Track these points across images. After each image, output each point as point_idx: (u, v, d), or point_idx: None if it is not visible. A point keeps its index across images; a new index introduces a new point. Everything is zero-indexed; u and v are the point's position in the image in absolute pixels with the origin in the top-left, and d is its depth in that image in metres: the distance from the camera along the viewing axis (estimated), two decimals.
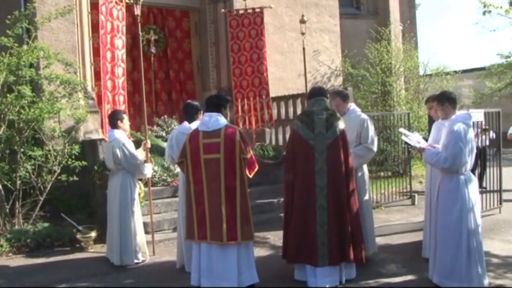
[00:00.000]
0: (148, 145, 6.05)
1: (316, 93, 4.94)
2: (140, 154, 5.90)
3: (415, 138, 4.99)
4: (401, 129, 5.52)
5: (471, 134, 4.54)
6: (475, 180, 4.66)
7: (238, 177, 4.51)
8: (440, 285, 4.53)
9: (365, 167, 5.65)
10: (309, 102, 4.96)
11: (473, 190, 4.55)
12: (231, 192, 4.48)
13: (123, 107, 7.65)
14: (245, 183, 4.58)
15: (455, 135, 4.40)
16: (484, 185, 8.54)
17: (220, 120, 4.63)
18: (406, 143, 5.39)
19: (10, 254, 6.20)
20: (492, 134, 8.58)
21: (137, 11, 6.25)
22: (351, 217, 4.76)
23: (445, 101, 4.67)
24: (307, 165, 4.70)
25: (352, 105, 5.65)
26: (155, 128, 9.40)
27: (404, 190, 9.40)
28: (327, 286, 4.61)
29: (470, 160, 4.53)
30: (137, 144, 6.18)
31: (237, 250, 4.51)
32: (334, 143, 4.70)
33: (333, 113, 4.86)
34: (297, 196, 4.76)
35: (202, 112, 5.38)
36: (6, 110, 6.52)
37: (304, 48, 7.80)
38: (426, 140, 5.30)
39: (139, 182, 6.10)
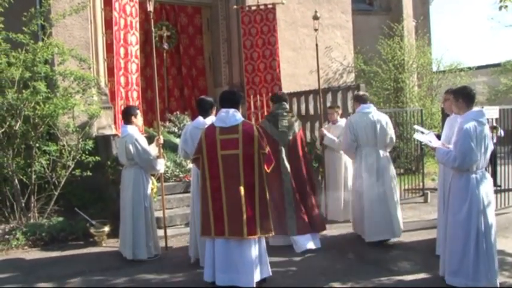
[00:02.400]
0: (161, 141, 6.08)
1: (280, 99, 6.19)
2: (153, 150, 5.92)
3: (427, 138, 4.96)
4: (416, 126, 5.54)
5: (486, 131, 4.46)
6: (489, 179, 4.59)
7: (256, 173, 4.55)
8: (448, 282, 4.52)
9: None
10: (275, 106, 6.17)
11: (486, 189, 4.48)
12: (250, 188, 4.52)
13: (136, 103, 7.71)
14: (263, 178, 4.61)
15: (464, 133, 4.35)
16: (498, 183, 8.46)
17: (237, 116, 4.66)
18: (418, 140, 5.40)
19: (26, 247, 6.29)
20: (500, 132, 8.48)
21: (150, 7, 6.28)
22: (310, 195, 6.08)
23: (460, 97, 4.60)
24: (273, 156, 5.15)
25: (359, 107, 6.39)
26: (167, 123, 9.44)
27: (417, 187, 9.35)
28: (313, 247, 5.84)
29: (483, 158, 4.46)
30: (150, 139, 6.23)
31: (254, 244, 4.55)
32: (293, 139, 6.04)
33: (293, 115, 6.20)
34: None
35: (215, 108, 5.43)
36: (22, 105, 6.59)
37: (317, 45, 7.77)
38: (439, 136, 5.26)
39: (152, 177, 6.14)
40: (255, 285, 4.50)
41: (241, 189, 4.50)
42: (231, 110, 4.67)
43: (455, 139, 4.49)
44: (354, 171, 6.54)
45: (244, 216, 4.47)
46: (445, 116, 6.45)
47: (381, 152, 6.25)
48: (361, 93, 6.75)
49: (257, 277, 4.57)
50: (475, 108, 4.64)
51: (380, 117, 6.32)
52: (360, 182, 6.21)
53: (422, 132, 5.13)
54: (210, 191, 4.58)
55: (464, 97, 4.58)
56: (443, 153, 4.57)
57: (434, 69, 14.26)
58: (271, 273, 4.71)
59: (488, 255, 4.41)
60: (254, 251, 4.55)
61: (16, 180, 6.76)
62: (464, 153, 4.34)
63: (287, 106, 6.19)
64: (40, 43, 7.02)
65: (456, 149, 4.41)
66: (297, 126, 6.11)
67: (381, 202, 6.07)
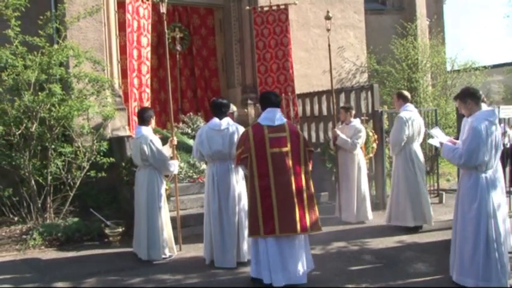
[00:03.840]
0: (175, 142, 6.11)
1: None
2: (166, 151, 5.96)
3: (433, 133, 4.93)
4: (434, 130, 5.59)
5: (498, 131, 4.43)
6: (499, 179, 4.56)
7: (303, 169, 4.69)
8: (458, 282, 4.50)
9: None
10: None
11: (496, 189, 4.45)
12: (299, 184, 4.63)
13: (146, 104, 7.76)
14: (309, 175, 4.74)
15: (473, 131, 4.32)
16: None
17: (281, 115, 4.83)
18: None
19: (42, 247, 6.37)
20: None
21: (163, 9, 6.31)
22: None
23: (468, 98, 4.57)
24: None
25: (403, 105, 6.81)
26: (181, 125, 9.48)
27: (432, 188, 9.26)
28: None
29: (494, 158, 4.42)
30: (163, 141, 6.26)
31: (303, 240, 4.69)
32: None
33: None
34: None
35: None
36: (38, 107, 6.68)
37: (329, 45, 7.75)
38: (457, 139, 5.21)
39: (166, 178, 6.18)
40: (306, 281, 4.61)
41: (293, 185, 4.59)
42: (276, 110, 4.83)
43: (464, 137, 4.46)
44: (398, 165, 6.79)
45: (297, 213, 4.56)
46: (459, 115, 6.44)
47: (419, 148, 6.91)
48: (405, 92, 7.07)
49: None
50: (487, 108, 4.59)
51: (418, 115, 6.91)
52: (408, 175, 6.67)
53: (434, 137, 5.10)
54: (258, 190, 4.64)
55: (471, 97, 4.56)
56: (449, 150, 4.55)
57: (449, 68, 14.15)
58: (313, 266, 4.86)
59: (499, 255, 4.36)
60: (303, 246, 4.68)
61: (33, 181, 6.85)
62: (471, 152, 4.32)
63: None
64: (55, 46, 7.12)
65: (464, 146, 4.38)
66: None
67: (424, 192, 6.82)
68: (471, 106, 4.54)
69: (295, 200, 4.59)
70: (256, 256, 4.70)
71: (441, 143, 4.74)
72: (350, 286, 4.76)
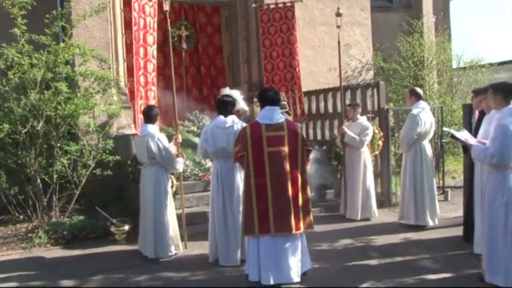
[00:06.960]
0: (180, 140, 6.11)
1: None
2: (172, 148, 5.96)
3: (463, 135, 4.90)
4: (445, 129, 5.57)
5: None
6: None
7: (300, 169, 4.65)
8: (486, 280, 4.42)
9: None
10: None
11: None
12: (295, 184, 4.60)
13: (153, 102, 7.77)
14: (306, 174, 4.70)
15: (503, 129, 4.26)
16: None
17: (280, 113, 4.76)
18: (453, 137, 5.39)
19: (48, 245, 6.38)
20: None
21: (166, 6, 6.31)
22: None
23: (500, 93, 4.46)
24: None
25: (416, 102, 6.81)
26: (186, 123, 9.47)
27: (437, 185, 9.21)
28: None
29: None
30: (169, 138, 6.25)
31: (299, 239, 4.65)
32: None
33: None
34: None
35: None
36: (44, 106, 6.69)
37: (339, 42, 7.74)
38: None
39: (172, 176, 6.18)
40: (300, 280, 4.58)
41: (289, 185, 4.56)
42: (275, 108, 4.77)
43: (493, 135, 4.37)
44: (407, 162, 6.80)
45: (292, 212, 4.53)
46: (466, 112, 6.42)
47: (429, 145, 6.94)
48: (417, 89, 7.07)
49: (300, 271, 4.66)
50: None
51: (430, 113, 6.95)
52: (416, 172, 6.68)
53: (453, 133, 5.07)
54: (255, 190, 4.61)
55: (504, 93, 4.46)
56: (480, 150, 4.49)
57: (455, 65, 14.05)
58: (311, 266, 4.83)
59: None
60: (299, 245, 4.64)
61: (38, 180, 6.87)
62: (502, 150, 4.25)
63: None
64: (61, 44, 7.13)
65: (494, 145, 4.30)
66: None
67: (431, 190, 6.79)
68: (499, 101, 4.46)
69: (291, 203, 4.55)
70: (256, 258, 4.65)
71: (470, 145, 4.68)
72: (356, 283, 4.74)
